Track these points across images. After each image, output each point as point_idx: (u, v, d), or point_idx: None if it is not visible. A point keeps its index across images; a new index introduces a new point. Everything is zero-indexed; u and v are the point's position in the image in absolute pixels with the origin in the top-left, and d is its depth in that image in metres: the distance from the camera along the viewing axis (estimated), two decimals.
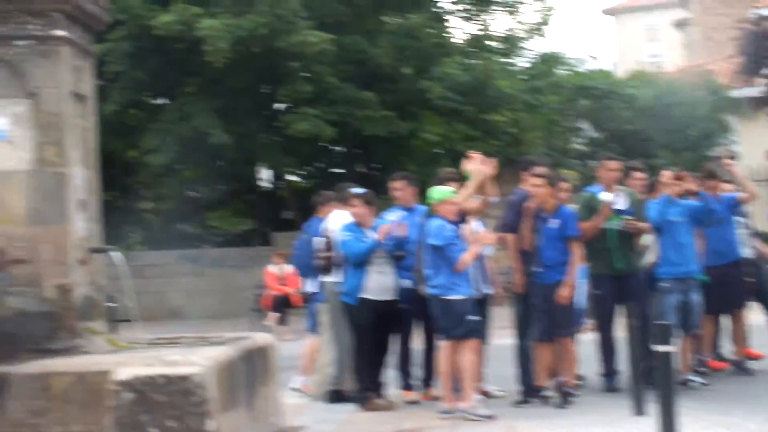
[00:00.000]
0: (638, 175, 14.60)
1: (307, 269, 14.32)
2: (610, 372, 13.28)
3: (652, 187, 14.06)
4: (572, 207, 13.12)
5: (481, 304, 12.60)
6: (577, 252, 12.60)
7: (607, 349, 13.46)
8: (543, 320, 12.52)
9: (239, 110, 28.60)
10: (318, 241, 13.55)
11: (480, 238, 12.34)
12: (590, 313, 13.75)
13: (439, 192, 12.15)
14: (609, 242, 13.35)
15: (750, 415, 11.12)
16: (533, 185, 12.73)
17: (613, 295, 13.34)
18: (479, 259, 12.57)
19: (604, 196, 13.76)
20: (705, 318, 14.02)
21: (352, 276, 12.68)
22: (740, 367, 14.30)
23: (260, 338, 12.19)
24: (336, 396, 13.20)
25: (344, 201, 13.16)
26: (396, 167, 25.75)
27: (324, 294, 13.75)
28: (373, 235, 12.62)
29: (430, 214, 12.11)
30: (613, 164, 14.07)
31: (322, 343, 14.07)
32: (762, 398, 12.08)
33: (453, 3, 31.78)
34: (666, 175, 13.57)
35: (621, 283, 13.29)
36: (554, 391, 12.52)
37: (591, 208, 13.31)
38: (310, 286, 14.38)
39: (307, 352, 14.46)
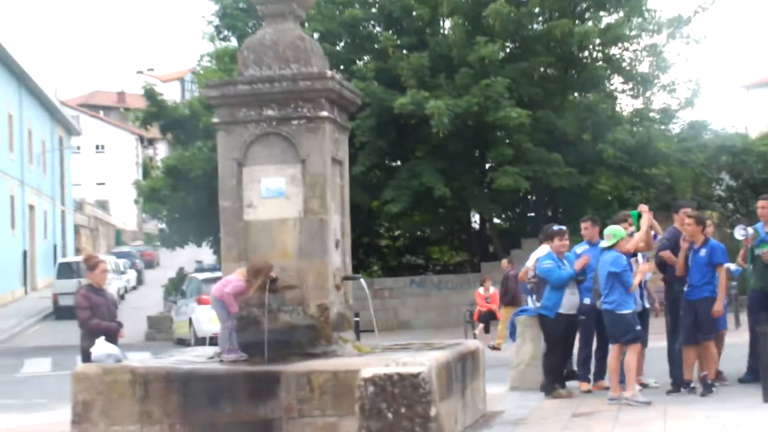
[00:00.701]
0: None
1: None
2: (754, 368, 12.78)
3: None
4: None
5: (641, 316, 12.49)
6: (723, 275, 12.38)
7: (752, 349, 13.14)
8: (689, 328, 12.34)
9: (456, 169, 28.64)
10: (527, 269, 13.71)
11: (644, 268, 12.61)
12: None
13: (617, 231, 12.10)
14: (753, 265, 13.19)
15: None
16: (687, 224, 12.58)
17: (758, 306, 12.97)
18: (642, 282, 12.54)
19: (739, 231, 13.58)
20: None
21: (551, 296, 12.62)
22: None
23: (471, 344, 12.24)
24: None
25: (549, 237, 13.04)
26: (576, 212, 25.55)
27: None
28: (568, 265, 12.69)
29: (609, 247, 12.01)
30: (763, 203, 13.71)
31: (517, 347, 14.04)
32: None
33: (622, 83, 31.40)
34: None
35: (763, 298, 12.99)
36: (698, 383, 12.37)
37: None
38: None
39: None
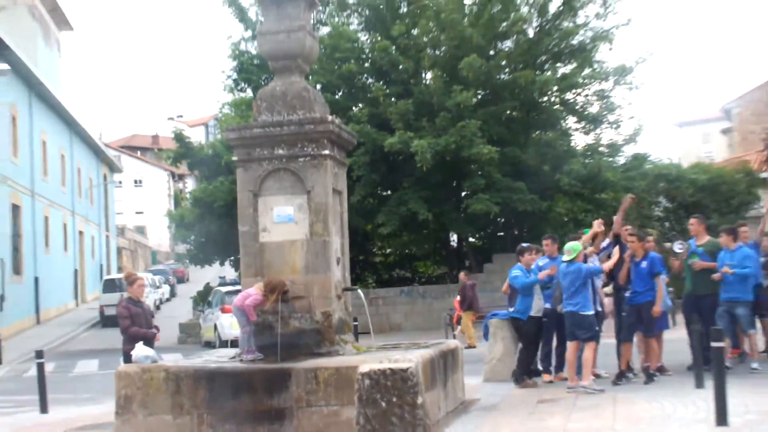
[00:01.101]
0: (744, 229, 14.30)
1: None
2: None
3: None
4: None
5: (596, 317, 12.46)
6: (660, 283, 12.46)
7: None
8: (629, 327, 12.42)
9: (437, 197, 28.64)
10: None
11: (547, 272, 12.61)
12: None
13: (576, 246, 12.15)
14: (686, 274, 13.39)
15: None
16: (630, 240, 12.70)
17: (691, 308, 13.21)
18: (596, 289, 12.56)
19: (677, 245, 13.73)
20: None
21: (523, 301, 12.68)
22: None
23: (451, 343, 12.28)
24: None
25: (520, 253, 13.11)
26: (538, 232, 25.58)
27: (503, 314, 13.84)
28: (534, 274, 12.75)
29: (568, 261, 12.02)
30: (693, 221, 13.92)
31: (489, 345, 14.08)
32: None
33: (576, 122, 31.51)
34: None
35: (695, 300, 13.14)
36: (642, 374, 12.45)
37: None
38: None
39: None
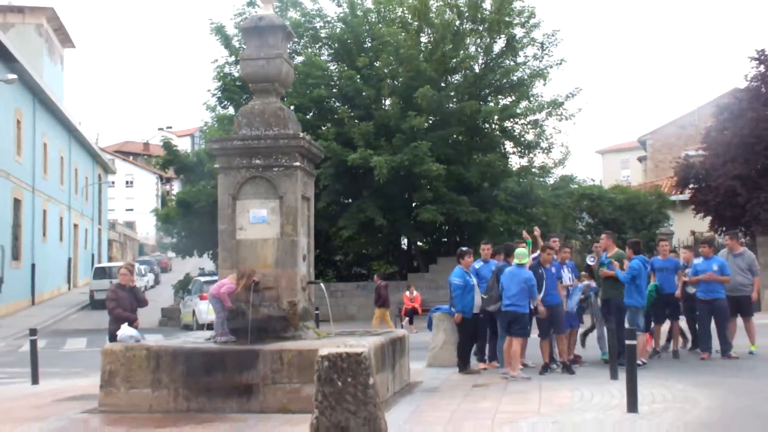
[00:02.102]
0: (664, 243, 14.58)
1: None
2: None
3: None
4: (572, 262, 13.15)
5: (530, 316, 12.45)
6: (562, 288, 12.58)
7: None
8: (545, 326, 12.41)
9: (391, 206, 28.61)
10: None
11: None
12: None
13: (522, 252, 12.14)
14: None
15: (678, 379, 10.90)
16: (547, 252, 12.74)
17: (604, 310, 13.19)
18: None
19: (589, 258, 13.88)
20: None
21: (467, 300, 12.59)
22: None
23: (399, 332, 12.25)
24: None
25: (460, 256, 13.05)
26: (477, 239, 25.60)
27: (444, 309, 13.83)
28: (474, 278, 12.72)
29: (518, 264, 11.96)
30: (603, 236, 13.96)
31: (433, 335, 14.07)
32: (684, 370, 11.75)
33: (512, 147, 31.56)
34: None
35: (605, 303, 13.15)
36: (559, 365, 12.54)
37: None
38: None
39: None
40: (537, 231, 14.26)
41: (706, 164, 27.81)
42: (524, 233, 13.98)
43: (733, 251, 14.12)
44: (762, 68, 27.48)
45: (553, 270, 12.69)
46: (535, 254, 13.20)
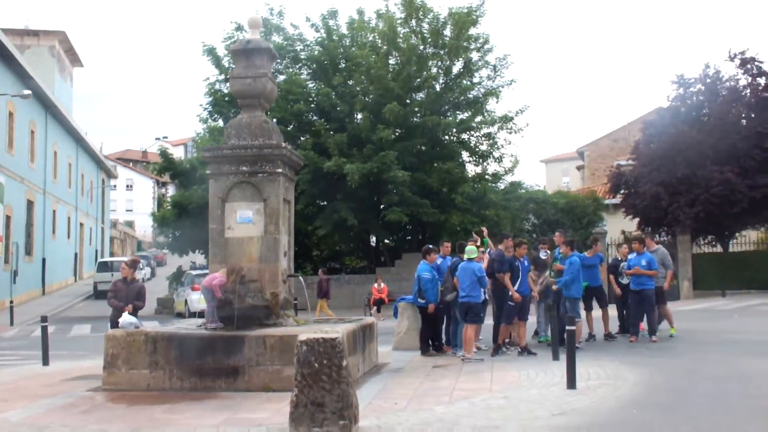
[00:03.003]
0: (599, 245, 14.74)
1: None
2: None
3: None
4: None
5: (483, 305, 12.41)
6: (506, 279, 12.36)
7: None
8: (511, 313, 12.35)
9: (362, 208, 28.55)
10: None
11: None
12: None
13: (474, 248, 12.14)
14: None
15: (610, 359, 10.91)
16: (522, 246, 12.72)
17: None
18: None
19: (542, 253, 13.88)
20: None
21: (430, 291, 12.50)
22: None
23: (369, 319, 12.20)
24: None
25: (426, 253, 12.95)
26: (437, 237, 25.75)
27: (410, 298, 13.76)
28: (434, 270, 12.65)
29: (468, 259, 11.94)
30: (557, 234, 14.01)
31: (398, 322, 14.05)
32: (615, 352, 11.79)
33: (468, 156, 31.62)
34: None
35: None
36: (515, 349, 12.49)
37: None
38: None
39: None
40: (485, 231, 14.34)
41: (634, 173, 28.18)
42: (474, 234, 14.05)
43: (648, 248, 14.27)
44: (681, 90, 27.97)
45: (527, 263, 12.69)
46: (487, 249, 13.29)
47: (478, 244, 13.41)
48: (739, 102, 26.94)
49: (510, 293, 12.23)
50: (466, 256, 12.03)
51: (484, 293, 12.25)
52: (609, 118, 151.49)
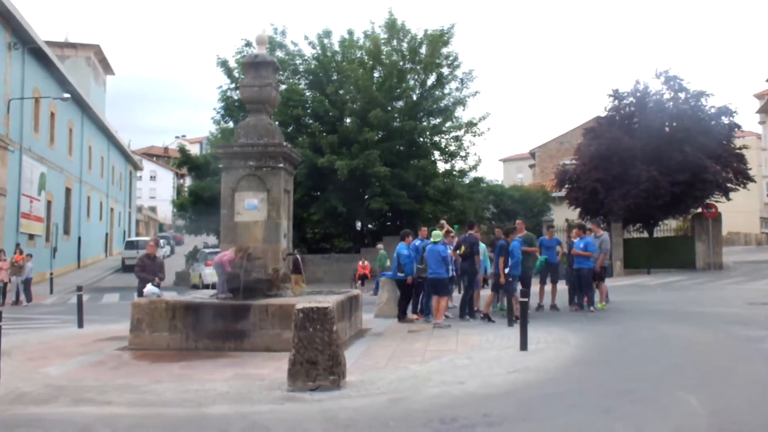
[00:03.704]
0: (551, 229, 15.01)
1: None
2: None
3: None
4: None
5: (451, 280, 12.44)
6: (477, 259, 12.55)
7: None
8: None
9: (350, 198, 28.35)
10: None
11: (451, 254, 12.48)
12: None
13: (437, 234, 12.09)
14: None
15: (557, 326, 10.91)
16: (451, 234, 12.85)
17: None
18: (452, 260, 12.49)
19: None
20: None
21: (408, 268, 12.53)
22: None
23: (354, 291, 12.15)
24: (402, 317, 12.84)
25: (404, 236, 13.01)
26: (413, 223, 25.69)
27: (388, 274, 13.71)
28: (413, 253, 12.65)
29: (434, 242, 11.96)
30: (517, 223, 13.99)
31: (379, 294, 14.03)
32: (562, 321, 11.82)
33: (440, 155, 31.41)
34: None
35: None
36: (483, 317, 12.43)
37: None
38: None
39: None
40: (442, 220, 14.34)
41: (577, 171, 28.31)
42: (441, 221, 14.01)
43: (596, 234, 14.34)
44: (616, 102, 28.15)
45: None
46: (450, 234, 13.23)
47: (451, 230, 13.41)
48: (663, 112, 27.19)
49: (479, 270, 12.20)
50: (432, 240, 12.04)
51: (450, 270, 12.25)
52: (557, 124, 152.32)
